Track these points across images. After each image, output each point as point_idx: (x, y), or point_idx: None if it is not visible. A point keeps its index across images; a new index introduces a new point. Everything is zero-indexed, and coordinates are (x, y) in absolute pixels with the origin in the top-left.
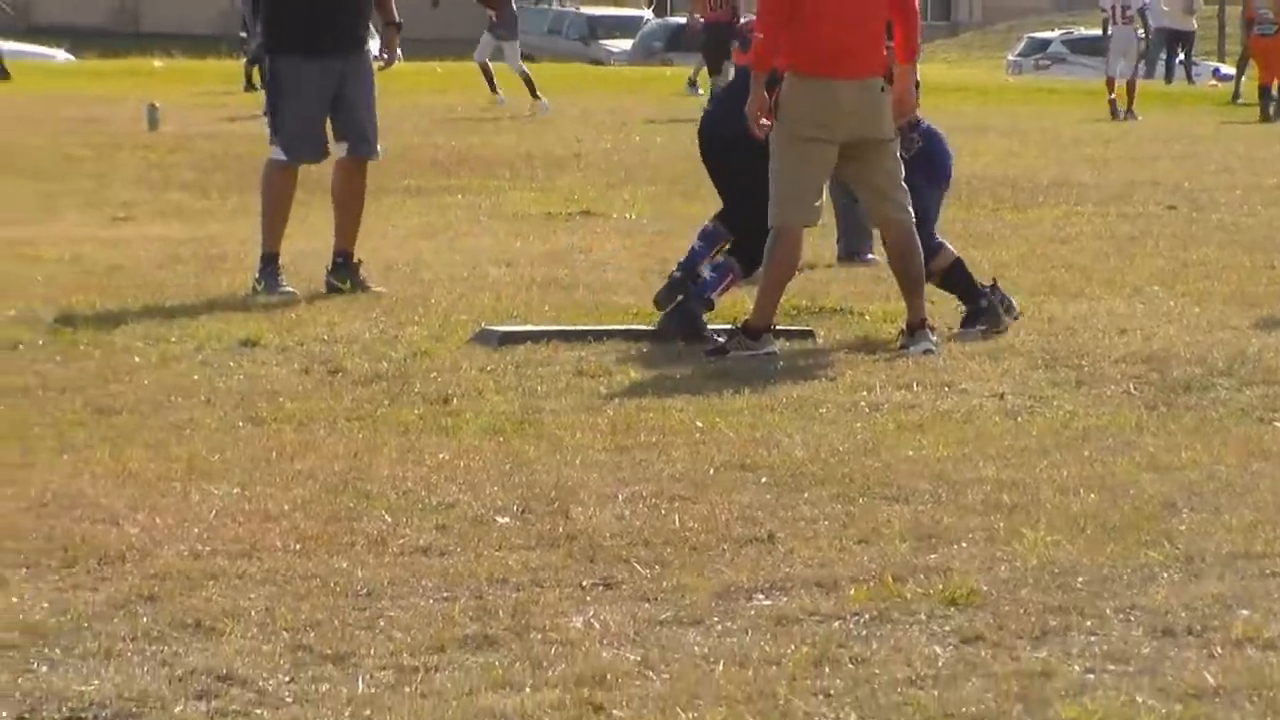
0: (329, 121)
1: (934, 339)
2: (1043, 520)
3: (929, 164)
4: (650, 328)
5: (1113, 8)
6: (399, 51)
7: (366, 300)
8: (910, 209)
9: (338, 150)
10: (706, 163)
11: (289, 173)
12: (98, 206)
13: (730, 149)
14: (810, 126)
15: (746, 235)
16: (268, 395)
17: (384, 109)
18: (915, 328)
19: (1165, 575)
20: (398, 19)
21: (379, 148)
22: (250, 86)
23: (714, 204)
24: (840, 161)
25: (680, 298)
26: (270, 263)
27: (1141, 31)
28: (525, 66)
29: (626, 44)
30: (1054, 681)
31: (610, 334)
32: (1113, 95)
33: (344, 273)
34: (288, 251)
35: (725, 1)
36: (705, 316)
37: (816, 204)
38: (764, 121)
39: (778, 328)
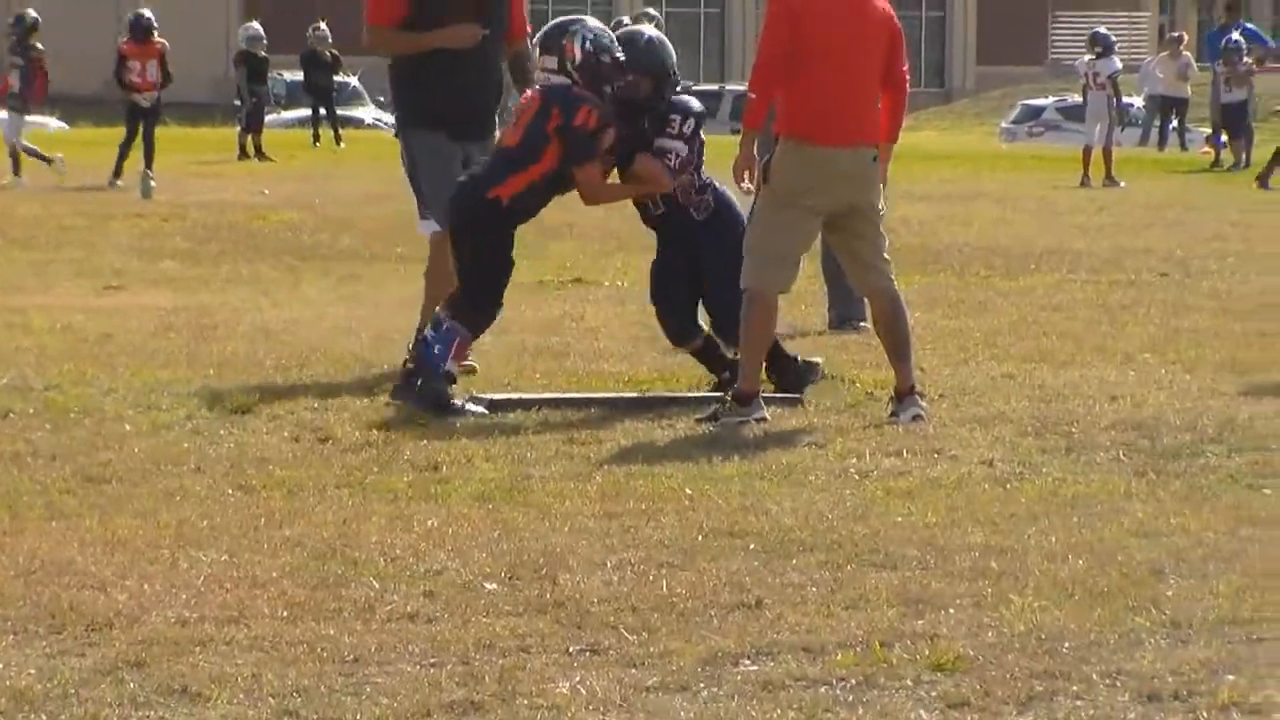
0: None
1: (923, 405)
2: (1030, 586)
3: (725, 227)
4: (638, 395)
5: (1087, 74)
6: None
7: (356, 368)
8: (892, 277)
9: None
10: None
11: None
12: (89, 275)
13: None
14: (799, 193)
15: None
16: (257, 463)
17: (378, 176)
18: (904, 394)
19: (1152, 641)
20: None
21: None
22: (244, 155)
23: None
24: (825, 229)
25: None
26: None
27: (1115, 98)
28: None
29: None
30: None
31: (600, 402)
32: (1088, 164)
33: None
34: (281, 319)
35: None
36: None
37: (794, 270)
38: (747, 183)
39: (766, 394)
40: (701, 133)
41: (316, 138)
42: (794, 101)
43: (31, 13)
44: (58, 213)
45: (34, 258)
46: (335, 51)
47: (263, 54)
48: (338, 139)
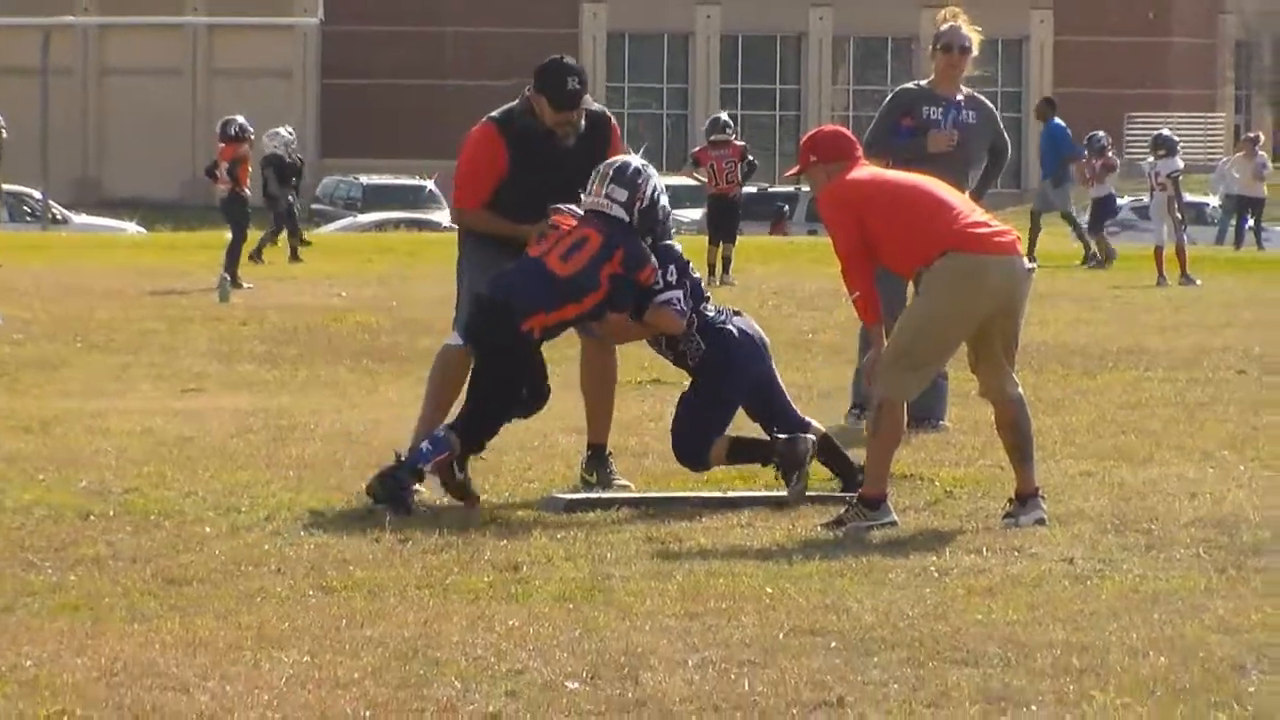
0: None
1: (1045, 507)
2: (1112, 683)
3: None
4: (717, 494)
5: (1150, 175)
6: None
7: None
8: (1020, 385)
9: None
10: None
11: (463, 356)
12: (168, 379)
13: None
14: (961, 301)
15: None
16: (338, 564)
17: (453, 279)
18: (1027, 496)
19: None
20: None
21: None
22: (295, 258)
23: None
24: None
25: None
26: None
27: (1176, 197)
28: None
29: (696, 213)
30: None
31: (679, 501)
32: (1161, 264)
33: (594, 464)
34: (360, 421)
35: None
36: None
37: (931, 379)
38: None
39: (840, 493)
40: (692, 271)
41: (294, 253)
42: (929, 234)
43: None
44: (137, 316)
45: (113, 361)
46: (300, 157)
47: (291, 158)
48: (294, 253)
